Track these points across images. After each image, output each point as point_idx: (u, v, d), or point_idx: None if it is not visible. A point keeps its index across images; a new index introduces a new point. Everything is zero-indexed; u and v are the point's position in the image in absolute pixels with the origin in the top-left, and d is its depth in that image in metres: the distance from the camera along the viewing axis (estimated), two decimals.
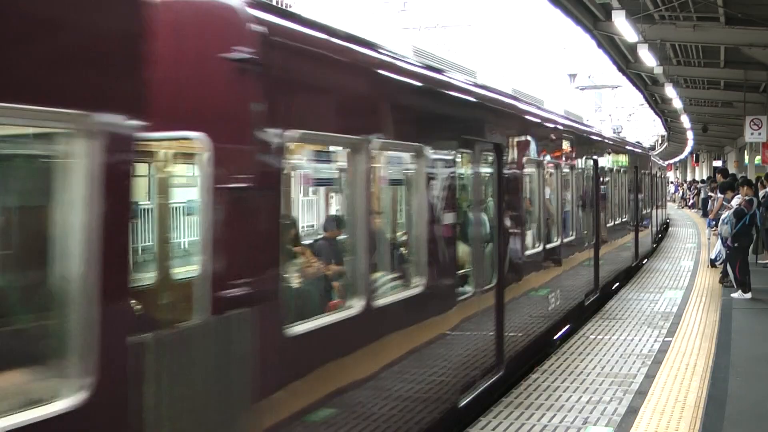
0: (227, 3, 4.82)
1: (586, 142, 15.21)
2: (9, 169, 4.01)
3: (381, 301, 6.38)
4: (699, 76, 27.75)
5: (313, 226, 9.07)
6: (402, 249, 7.48)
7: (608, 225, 17.46)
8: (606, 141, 18.13)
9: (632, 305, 14.80)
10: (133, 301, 4.01)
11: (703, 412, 8.12)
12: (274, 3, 6.25)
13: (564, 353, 10.88)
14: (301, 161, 6.11)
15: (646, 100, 38.26)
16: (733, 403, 8.52)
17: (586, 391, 8.99)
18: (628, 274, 19.40)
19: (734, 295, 15.42)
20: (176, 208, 7.01)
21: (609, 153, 17.86)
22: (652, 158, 30.03)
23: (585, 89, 65.11)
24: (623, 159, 20.11)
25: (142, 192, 6.84)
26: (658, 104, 38.96)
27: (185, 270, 6.02)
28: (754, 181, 19.39)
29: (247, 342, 4.73)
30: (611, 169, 17.88)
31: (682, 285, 17.41)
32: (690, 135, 46.22)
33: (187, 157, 5.61)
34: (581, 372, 9.84)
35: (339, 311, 6.02)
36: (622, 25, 17.46)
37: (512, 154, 9.91)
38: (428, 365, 7.37)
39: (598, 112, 70.67)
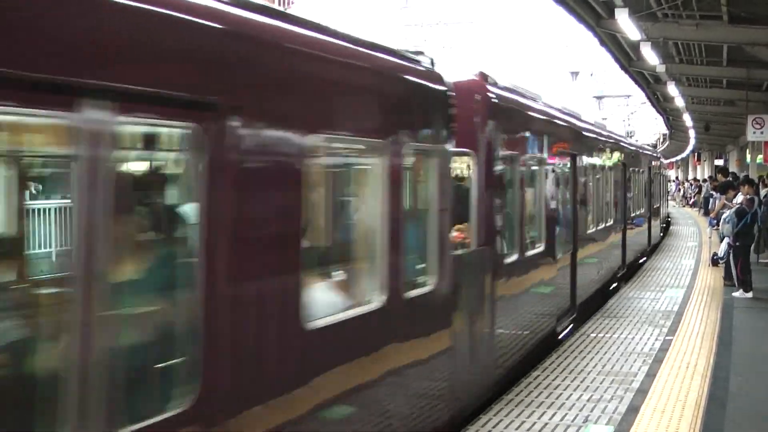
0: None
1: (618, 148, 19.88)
2: None
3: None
4: (701, 75, 27.66)
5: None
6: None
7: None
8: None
9: (633, 303, 14.79)
10: None
11: (703, 411, 8.13)
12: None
13: (564, 351, 10.86)
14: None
15: (648, 98, 38.17)
16: (734, 402, 8.53)
17: (586, 389, 8.99)
18: None
19: (736, 294, 15.43)
20: None
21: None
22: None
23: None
24: None
25: None
26: (660, 102, 38.88)
27: None
28: (756, 180, 19.37)
29: None
30: None
31: (683, 284, 17.40)
32: (692, 133, 46.14)
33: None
34: (582, 370, 9.84)
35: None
36: (625, 23, 17.40)
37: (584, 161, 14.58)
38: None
39: (601, 111, 70.59)
